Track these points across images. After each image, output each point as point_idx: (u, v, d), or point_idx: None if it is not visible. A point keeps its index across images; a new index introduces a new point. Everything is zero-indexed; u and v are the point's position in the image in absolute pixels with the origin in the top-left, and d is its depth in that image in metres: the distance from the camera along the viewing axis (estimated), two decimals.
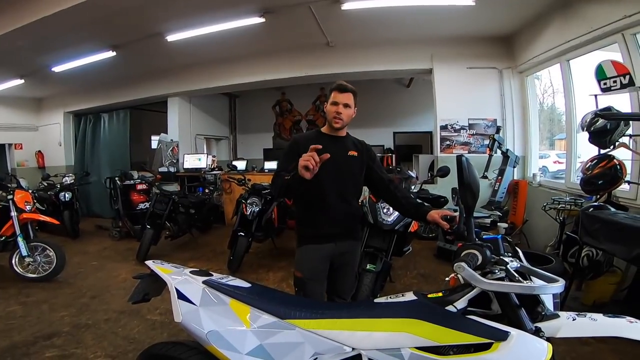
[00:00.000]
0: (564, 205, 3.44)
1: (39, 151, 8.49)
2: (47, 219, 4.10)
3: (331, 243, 1.85)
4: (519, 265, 1.17)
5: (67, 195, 5.80)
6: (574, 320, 1.10)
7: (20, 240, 3.65)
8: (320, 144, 1.72)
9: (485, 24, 4.79)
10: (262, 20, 4.46)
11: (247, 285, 1.46)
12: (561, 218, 3.47)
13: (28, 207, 3.87)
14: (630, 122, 2.92)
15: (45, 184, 6.39)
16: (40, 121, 8.57)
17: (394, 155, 7.83)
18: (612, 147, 2.91)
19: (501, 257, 1.18)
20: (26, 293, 3.44)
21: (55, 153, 8.33)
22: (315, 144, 1.72)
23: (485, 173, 4.91)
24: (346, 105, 1.82)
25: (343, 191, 1.86)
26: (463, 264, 1.09)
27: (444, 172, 3.24)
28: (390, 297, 1.33)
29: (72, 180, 6.24)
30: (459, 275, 1.31)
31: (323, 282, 1.88)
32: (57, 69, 5.97)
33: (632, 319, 1.09)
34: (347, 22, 4.71)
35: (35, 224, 4.12)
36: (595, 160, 2.95)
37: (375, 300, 1.38)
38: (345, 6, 4.16)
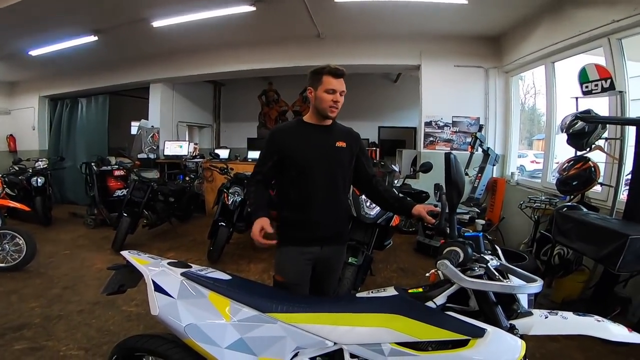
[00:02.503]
0: (539, 204, 3.54)
1: (11, 135, 8.10)
2: (17, 205, 3.93)
3: (317, 246, 1.68)
4: (498, 263, 1.19)
5: (39, 181, 5.54)
6: (546, 318, 1.14)
7: None
8: (304, 135, 1.67)
9: (475, 23, 4.83)
10: (252, 8, 4.36)
11: (227, 277, 1.44)
12: (536, 217, 3.58)
13: None
14: (607, 125, 3.02)
15: (17, 169, 6.10)
16: (13, 105, 8.16)
17: (378, 149, 7.88)
18: (588, 149, 3.01)
19: (482, 255, 1.20)
20: None
21: (28, 137, 7.96)
22: (297, 135, 1.66)
23: (466, 170, 5.00)
24: (342, 93, 1.65)
25: (332, 187, 1.69)
26: (446, 261, 1.10)
27: (427, 167, 3.27)
28: (372, 292, 1.34)
29: (45, 165, 5.97)
30: (439, 272, 1.33)
31: (307, 286, 1.72)
32: (34, 52, 5.69)
33: (600, 318, 1.14)
34: (339, 14, 4.66)
35: (4, 210, 3.95)
36: (572, 162, 3.04)
37: (357, 295, 1.39)
38: None
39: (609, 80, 3.15)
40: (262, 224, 1.55)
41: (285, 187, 1.71)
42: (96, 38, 5.19)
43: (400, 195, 2.03)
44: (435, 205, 1.58)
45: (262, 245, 1.54)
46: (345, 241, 1.87)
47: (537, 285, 1.07)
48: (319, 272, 1.75)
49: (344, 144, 1.71)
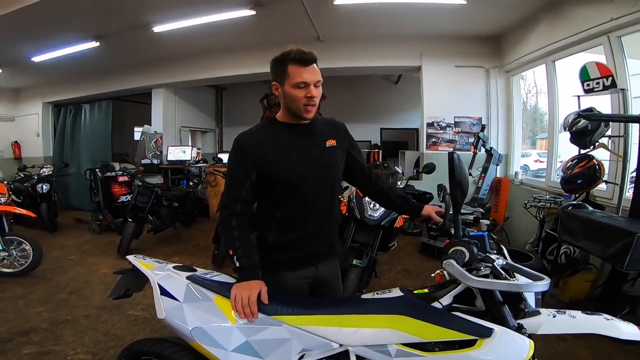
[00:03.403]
0: (544, 204, 3.52)
1: (16, 142, 8.17)
2: (23, 211, 3.96)
3: (312, 267, 1.44)
4: (504, 262, 1.18)
5: (44, 187, 5.58)
6: (554, 317, 1.13)
7: None
8: (285, 140, 1.34)
9: (474, 23, 4.83)
10: (252, 12, 4.38)
11: (232, 281, 1.43)
12: (541, 216, 3.56)
13: (3, 199, 3.74)
14: (610, 123, 3.01)
15: (22, 175, 6.14)
16: (17, 111, 8.24)
17: (380, 151, 7.88)
18: (592, 147, 2.99)
19: (487, 254, 1.19)
20: (1, 288, 3.32)
21: (32, 144, 8.03)
22: (277, 142, 1.33)
23: (470, 170, 4.99)
24: (318, 83, 1.29)
25: (327, 197, 1.42)
26: (452, 261, 1.09)
27: (430, 168, 3.27)
28: (377, 293, 1.33)
29: (50, 172, 6.03)
30: (444, 272, 1.33)
31: None
32: (37, 59, 5.74)
33: (609, 317, 1.12)
34: (339, 17, 4.68)
35: (10, 216, 3.98)
36: (576, 160, 3.03)
37: (362, 296, 1.38)
38: (338, 1, 4.14)
39: (610, 78, 3.13)
40: (259, 290, 1.23)
41: (268, 206, 1.40)
42: (98, 44, 5.24)
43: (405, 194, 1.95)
44: (440, 206, 1.58)
45: (248, 318, 1.21)
46: (337, 253, 1.58)
47: (544, 284, 1.05)
48: (319, 295, 1.51)
49: (334, 142, 1.41)
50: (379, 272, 3.65)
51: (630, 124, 2.93)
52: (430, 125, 5.50)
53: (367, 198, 2.97)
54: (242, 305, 1.20)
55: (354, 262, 2.82)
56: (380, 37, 5.41)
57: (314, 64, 1.28)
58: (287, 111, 1.35)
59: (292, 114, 1.33)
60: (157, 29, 4.80)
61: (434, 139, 5.51)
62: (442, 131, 5.48)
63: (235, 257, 1.29)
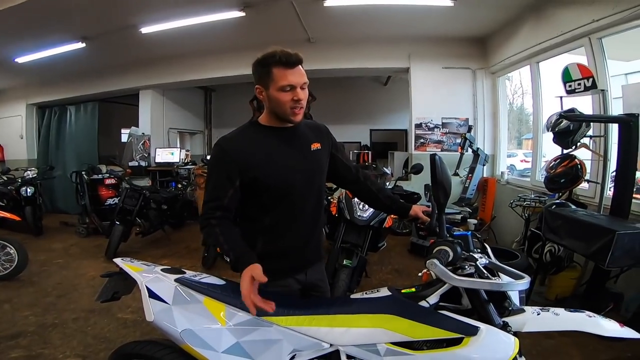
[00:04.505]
0: (529, 203, 3.59)
1: None
2: (7, 215, 3.90)
3: (302, 274, 1.42)
4: (487, 262, 1.21)
5: (29, 190, 5.46)
6: (538, 314, 1.16)
7: None
8: (270, 144, 1.29)
9: (461, 25, 4.90)
10: (242, 14, 4.37)
11: (221, 282, 1.44)
12: (526, 215, 3.62)
13: None
14: (591, 123, 3.09)
15: (5, 179, 6.00)
16: (0, 113, 8.04)
17: (370, 152, 7.93)
18: (574, 147, 3.07)
19: (471, 253, 1.22)
20: None
21: (16, 146, 7.82)
22: (262, 146, 1.27)
23: (457, 170, 5.06)
24: (304, 85, 1.25)
25: (314, 201, 1.39)
26: (435, 260, 1.11)
27: (418, 169, 3.32)
28: (366, 293, 1.35)
29: (35, 175, 5.89)
30: (431, 271, 1.35)
31: None
32: (21, 59, 5.62)
33: (591, 314, 1.16)
34: (329, 18, 4.70)
35: None
36: (558, 160, 3.10)
37: (352, 296, 1.40)
38: (328, 2, 4.16)
39: (591, 79, 3.22)
40: (252, 273, 1.11)
41: (253, 213, 1.34)
42: (84, 45, 5.15)
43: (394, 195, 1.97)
44: (428, 206, 1.60)
45: (263, 308, 1.11)
46: (322, 255, 1.55)
47: (524, 283, 1.08)
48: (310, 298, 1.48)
49: (318, 145, 1.39)
50: (369, 272, 3.68)
51: (610, 124, 3.01)
52: (418, 126, 5.56)
53: (356, 199, 3.00)
54: (244, 296, 1.10)
55: (344, 262, 2.85)
56: (369, 38, 5.45)
57: (300, 66, 1.24)
58: (272, 115, 1.30)
59: (278, 117, 1.29)
60: (145, 30, 4.75)
61: (422, 140, 5.57)
62: (430, 132, 5.55)
63: (224, 254, 1.23)
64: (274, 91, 1.23)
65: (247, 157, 1.25)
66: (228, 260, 1.24)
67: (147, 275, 1.40)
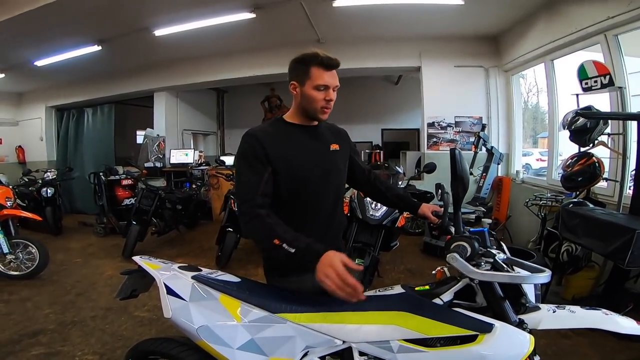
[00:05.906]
0: (545, 202, 3.53)
1: (20, 146, 8.23)
2: (29, 215, 4.01)
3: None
4: (505, 257, 1.20)
5: (49, 191, 5.65)
6: (554, 312, 1.14)
7: (1, 237, 3.55)
8: (294, 141, 1.35)
9: (473, 23, 4.85)
10: (252, 15, 4.42)
11: (236, 280, 1.46)
12: (543, 214, 3.56)
13: (9, 203, 3.78)
14: (609, 121, 3.02)
15: (26, 180, 6.20)
16: (20, 116, 8.30)
17: (382, 152, 7.90)
18: (591, 145, 3.00)
19: (488, 249, 1.21)
20: (9, 291, 3.37)
21: (36, 148, 8.09)
22: (286, 141, 1.33)
23: (471, 170, 5.00)
24: (336, 88, 1.33)
25: (332, 200, 1.43)
26: (456, 254, 1.11)
27: (431, 168, 3.29)
28: (379, 291, 1.35)
29: (55, 176, 6.08)
30: (445, 269, 1.35)
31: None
32: (40, 63, 5.79)
33: (608, 312, 1.14)
34: (338, 18, 4.70)
35: (16, 220, 4.02)
36: (575, 158, 3.04)
37: (365, 294, 1.40)
38: (337, 3, 4.17)
39: (607, 77, 3.14)
40: (340, 259, 1.10)
41: (281, 211, 1.32)
42: (100, 48, 5.28)
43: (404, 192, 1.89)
44: (440, 205, 1.59)
45: (356, 297, 1.09)
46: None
47: (545, 275, 1.06)
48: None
49: (337, 147, 1.45)
50: (381, 272, 3.67)
51: (629, 121, 2.94)
52: (430, 125, 5.52)
53: (368, 199, 3.00)
54: (337, 286, 1.05)
55: (356, 261, 2.85)
56: (379, 38, 5.44)
57: (334, 70, 1.32)
58: (301, 111, 1.37)
59: (306, 114, 1.36)
60: (158, 32, 4.84)
61: (434, 139, 5.53)
62: (442, 131, 5.50)
63: (284, 245, 1.13)
64: (309, 89, 1.30)
65: (273, 147, 1.30)
66: (287, 248, 1.14)
67: (164, 272, 1.43)
